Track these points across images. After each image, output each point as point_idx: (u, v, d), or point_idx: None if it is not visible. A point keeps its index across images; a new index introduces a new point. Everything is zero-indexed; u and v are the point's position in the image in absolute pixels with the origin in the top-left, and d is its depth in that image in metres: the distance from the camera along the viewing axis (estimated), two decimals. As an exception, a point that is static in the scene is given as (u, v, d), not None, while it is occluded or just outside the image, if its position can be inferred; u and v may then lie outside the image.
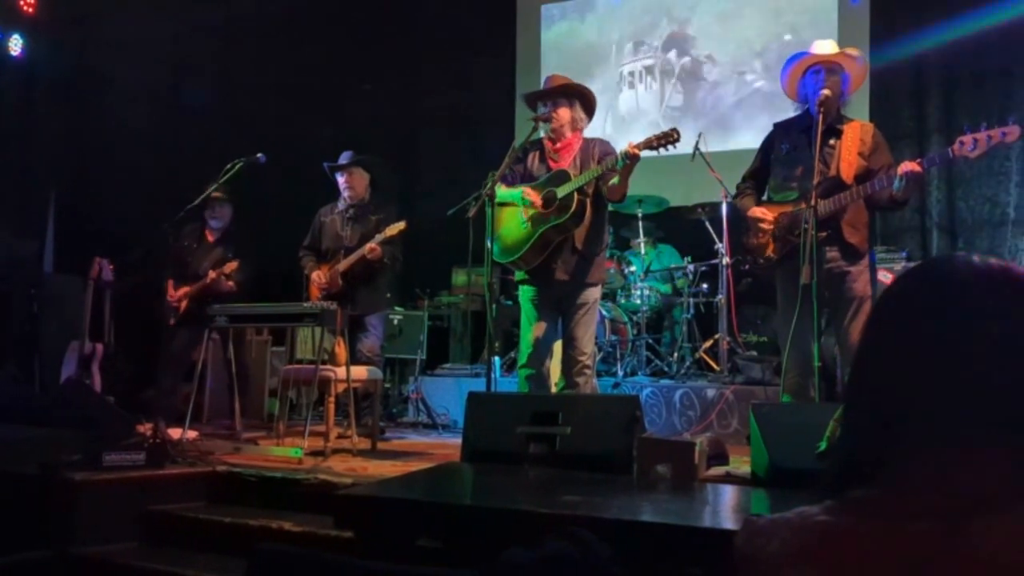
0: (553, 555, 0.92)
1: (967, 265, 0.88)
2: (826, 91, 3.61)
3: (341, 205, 5.11)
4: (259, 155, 4.50)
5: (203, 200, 5.27)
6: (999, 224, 6.02)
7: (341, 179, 5.07)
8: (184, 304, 5.30)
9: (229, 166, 4.54)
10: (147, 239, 5.55)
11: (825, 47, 3.77)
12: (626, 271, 6.13)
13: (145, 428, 3.95)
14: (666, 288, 6.33)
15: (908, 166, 3.43)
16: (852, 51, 3.81)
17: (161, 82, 7.35)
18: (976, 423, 0.83)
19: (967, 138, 3.34)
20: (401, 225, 4.78)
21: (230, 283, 5.33)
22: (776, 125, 4.01)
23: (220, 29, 7.46)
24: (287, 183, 6.77)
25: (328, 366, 4.29)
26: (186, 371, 5.19)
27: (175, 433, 4.16)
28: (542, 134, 4.13)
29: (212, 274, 5.26)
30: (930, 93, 6.27)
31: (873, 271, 3.75)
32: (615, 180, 3.82)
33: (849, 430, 0.92)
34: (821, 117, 3.59)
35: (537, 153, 4.16)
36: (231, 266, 5.24)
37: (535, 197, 3.92)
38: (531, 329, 4.03)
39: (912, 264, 3.28)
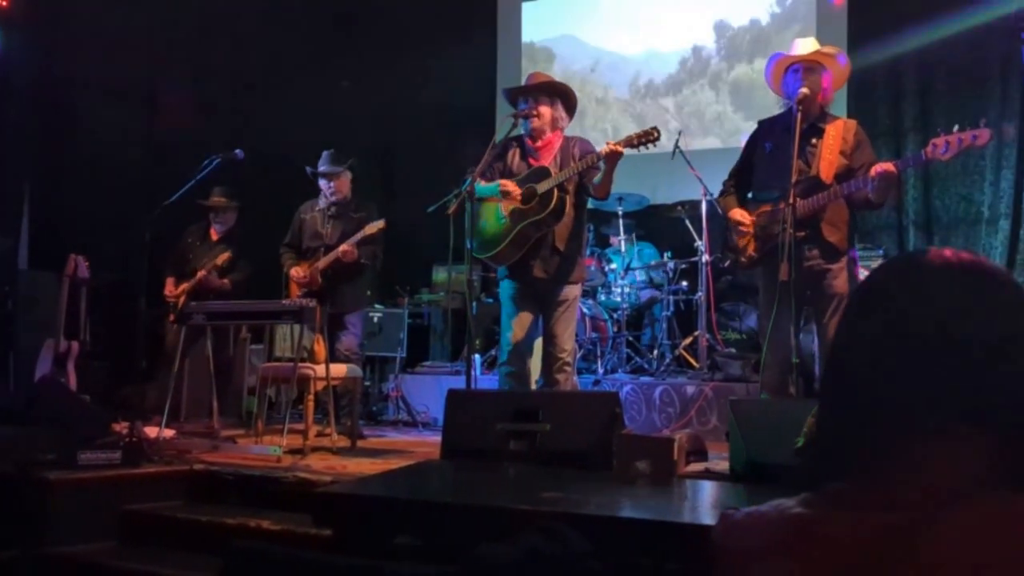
0: (529, 550, 0.92)
1: (939, 259, 0.89)
2: (804, 90, 3.63)
3: (322, 203, 5.08)
4: (236, 151, 4.47)
5: (207, 204, 5.27)
6: (974, 222, 6.09)
7: (327, 184, 5.04)
8: (182, 301, 5.28)
9: (207, 162, 4.49)
10: (123, 236, 5.49)
11: (804, 46, 3.79)
12: (606, 268, 6.15)
13: (121, 426, 3.91)
14: (646, 286, 6.36)
15: (882, 167, 3.46)
16: (829, 50, 3.83)
17: (138, 77, 7.27)
18: (948, 416, 0.84)
19: (939, 140, 3.38)
20: (380, 224, 4.75)
21: (224, 280, 5.30)
22: (760, 123, 4.04)
23: (197, 24, 7.38)
24: (265, 180, 6.71)
25: (307, 364, 4.27)
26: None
27: (152, 431, 4.12)
28: (522, 131, 4.12)
29: (201, 272, 5.24)
30: (906, 93, 6.34)
31: (853, 269, 3.77)
32: (599, 178, 3.83)
33: (824, 424, 0.93)
34: (800, 116, 3.62)
35: (518, 150, 4.15)
36: (223, 257, 5.22)
37: (513, 187, 3.91)
38: (511, 326, 4.02)
39: (888, 261, 3.30)
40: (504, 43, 7.90)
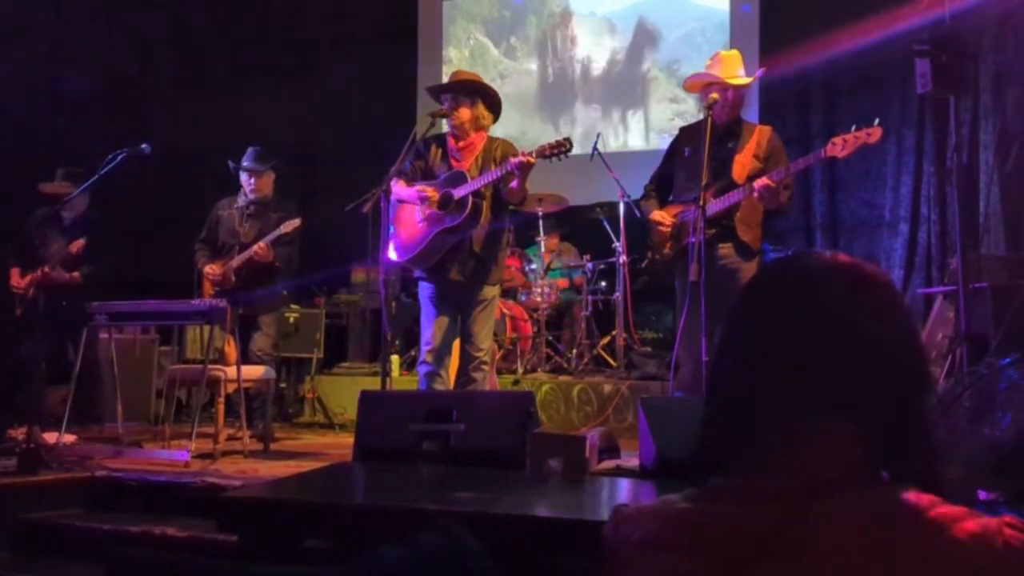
0: (421, 550, 0.91)
1: (819, 260, 0.93)
2: (714, 95, 3.77)
3: (241, 200, 4.93)
4: (143, 145, 4.29)
5: (46, 192, 4.94)
6: (876, 226, 6.36)
7: (248, 180, 4.89)
8: (31, 294, 4.87)
9: (111, 156, 4.31)
10: (20, 233, 5.21)
11: (723, 66, 3.90)
12: (526, 269, 6.18)
13: (17, 432, 3.73)
14: (566, 288, 6.43)
15: (760, 181, 3.63)
16: (739, 73, 3.94)
17: (40, 69, 6.94)
18: (825, 410, 0.87)
19: (838, 139, 3.62)
20: (296, 222, 4.65)
21: (74, 274, 4.91)
22: (681, 129, 4.18)
23: (105, 15, 7.10)
24: (176, 177, 6.51)
25: (218, 365, 4.15)
26: (49, 369, 4.83)
27: (51, 437, 3.94)
28: (444, 129, 4.11)
29: (46, 267, 4.85)
30: (813, 100, 6.57)
31: (765, 269, 3.91)
32: (513, 184, 3.85)
33: (709, 419, 0.95)
34: (709, 123, 3.74)
35: (440, 150, 4.12)
36: (77, 245, 4.86)
37: (431, 192, 3.90)
38: (431, 327, 4.01)
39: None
40: (425, 38, 7.87)
